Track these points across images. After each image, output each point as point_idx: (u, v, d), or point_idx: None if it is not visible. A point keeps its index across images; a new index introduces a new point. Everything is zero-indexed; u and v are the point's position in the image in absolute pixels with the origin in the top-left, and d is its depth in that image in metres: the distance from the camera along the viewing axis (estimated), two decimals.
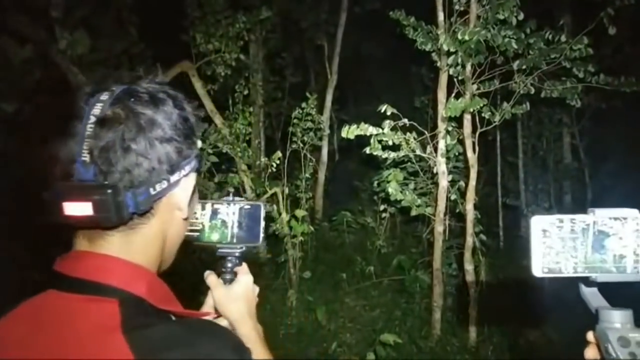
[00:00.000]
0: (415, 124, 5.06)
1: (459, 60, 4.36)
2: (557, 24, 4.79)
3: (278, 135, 10.48)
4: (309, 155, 7.27)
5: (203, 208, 1.22)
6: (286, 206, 6.22)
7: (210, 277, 1.23)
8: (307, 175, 7.32)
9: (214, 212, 1.23)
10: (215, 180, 6.22)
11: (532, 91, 4.81)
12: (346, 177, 10.12)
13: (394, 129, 4.93)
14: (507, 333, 5.15)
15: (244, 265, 1.25)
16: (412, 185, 6.10)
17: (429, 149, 5.24)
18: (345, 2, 9.31)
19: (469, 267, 5.09)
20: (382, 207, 7.44)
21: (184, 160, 0.86)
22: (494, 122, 4.75)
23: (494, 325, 5.22)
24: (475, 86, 4.72)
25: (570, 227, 1.04)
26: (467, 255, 5.09)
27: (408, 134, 5.08)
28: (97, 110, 0.80)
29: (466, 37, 4.08)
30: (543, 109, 7.98)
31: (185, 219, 0.93)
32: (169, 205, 0.88)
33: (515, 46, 4.31)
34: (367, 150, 5.10)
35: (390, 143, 5.06)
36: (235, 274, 1.24)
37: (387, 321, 5.48)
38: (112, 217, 0.78)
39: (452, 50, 4.30)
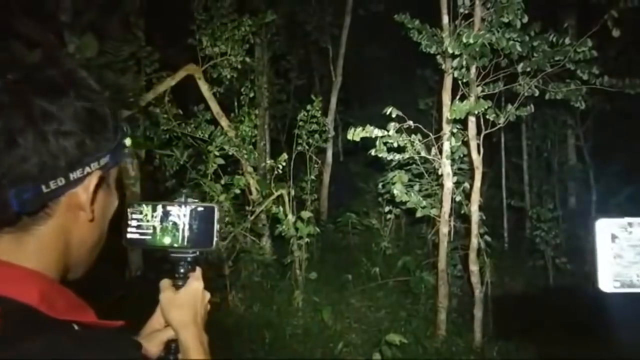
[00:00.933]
0: (420, 126, 5.10)
1: (464, 63, 4.39)
2: (562, 27, 4.81)
3: (283, 137, 10.54)
4: (314, 157, 7.32)
5: (154, 210, 1.16)
6: (292, 208, 6.27)
7: (163, 282, 1.17)
8: (312, 177, 7.37)
9: (165, 214, 1.16)
10: (221, 182, 6.26)
11: (537, 93, 4.84)
12: (351, 179, 10.15)
13: (399, 131, 4.97)
14: (513, 334, 5.16)
15: (198, 271, 1.19)
16: (417, 187, 6.14)
17: (433, 150, 5.28)
18: (350, 5, 9.37)
19: (473, 268, 5.12)
20: (387, 209, 7.49)
21: (88, 156, 0.77)
22: (499, 124, 4.78)
23: (499, 326, 5.25)
24: (479, 88, 4.75)
25: None
26: (472, 256, 5.12)
27: (413, 136, 5.13)
28: None
29: (471, 40, 4.12)
30: (548, 111, 7.99)
31: (92, 221, 0.83)
32: (70, 205, 0.79)
33: (520, 49, 4.35)
34: (373, 152, 5.15)
35: (396, 145, 5.11)
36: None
37: (392, 322, 5.51)
38: None
39: (456, 53, 4.34)
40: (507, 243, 7.93)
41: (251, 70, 8.07)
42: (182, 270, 1.17)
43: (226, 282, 5.81)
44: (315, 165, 7.53)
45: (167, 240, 1.15)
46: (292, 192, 6.48)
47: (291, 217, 6.00)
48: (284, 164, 6.34)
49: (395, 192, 5.39)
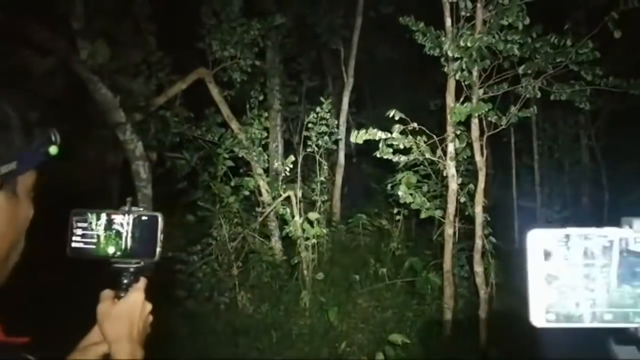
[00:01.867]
0: (424, 127, 5.13)
1: (464, 66, 4.42)
2: (565, 28, 4.80)
3: (296, 138, 10.62)
4: (323, 160, 7.39)
5: (98, 218, 1.13)
6: (300, 209, 6.34)
7: (104, 292, 1.13)
8: (322, 178, 7.44)
9: (109, 222, 1.14)
10: (231, 184, 6.38)
11: (539, 95, 4.84)
12: (363, 180, 10.20)
13: (402, 132, 5.01)
14: (517, 334, 5.16)
15: (141, 282, 1.16)
16: (425, 188, 6.16)
17: (438, 152, 5.30)
18: (361, 7, 9.40)
19: (478, 269, 5.14)
20: (396, 210, 7.52)
21: None
22: (501, 125, 4.79)
23: (504, 327, 5.25)
24: (481, 90, 4.77)
25: (584, 248, 0.72)
26: (477, 257, 5.14)
27: (418, 137, 5.16)
28: None
29: (468, 44, 4.15)
30: (558, 112, 7.95)
31: None
32: None
33: (517, 52, 4.36)
34: (377, 154, 5.20)
35: (401, 147, 5.15)
36: None
37: (398, 322, 5.56)
38: None
39: (456, 56, 4.37)
40: (517, 244, 7.89)
41: (262, 73, 8.18)
42: (125, 281, 1.14)
43: (235, 282, 5.91)
44: (325, 167, 7.59)
45: (110, 250, 1.13)
46: (300, 194, 6.55)
47: (298, 219, 6.08)
48: (291, 165, 6.42)
49: (399, 193, 5.43)
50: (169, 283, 5.68)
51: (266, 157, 7.26)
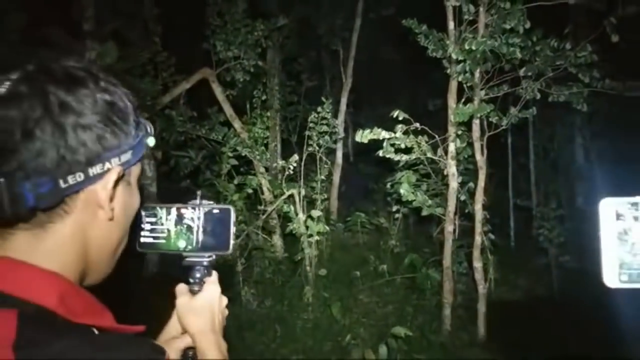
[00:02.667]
0: (426, 127, 5.28)
1: (467, 68, 4.58)
2: (564, 32, 4.98)
3: (294, 138, 10.75)
4: (324, 158, 7.53)
5: (168, 213, 1.13)
6: (302, 207, 6.48)
7: (179, 287, 1.14)
8: (323, 177, 7.57)
9: (180, 217, 1.13)
10: (234, 182, 6.49)
11: (538, 96, 5.01)
12: (361, 179, 10.33)
13: (405, 132, 5.16)
14: (515, 329, 5.33)
15: (214, 275, 1.17)
16: (424, 187, 6.32)
17: (439, 151, 5.46)
18: (360, 8, 9.55)
19: (477, 265, 5.30)
20: (395, 208, 7.67)
21: (108, 151, 0.74)
22: (502, 126, 4.95)
23: (502, 321, 5.41)
24: (483, 92, 4.93)
25: None
26: (476, 253, 5.30)
27: (420, 137, 5.31)
28: (2, 89, 0.69)
29: (473, 47, 4.31)
30: (554, 112, 8.13)
31: (111, 220, 0.79)
32: (88, 203, 0.75)
33: (519, 55, 4.52)
34: (380, 153, 5.35)
35: (403, 146, 5.30)
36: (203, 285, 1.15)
37: (399, 317, 5.70)
38: (5, 210, 0.67)
39: (460, 58, 4.52)
40: (513, 242, 8.08)
41: (264, 73, 8.31)
42: (197, 275, 1.14)
43: (239, 278, 6.03)
44: (325, 166, 7.73)
45: (181, 244, 1.12)
46: (303, 192, 6.68)
47: (302, 216, 6.21)
48: (294, 164, 6.55)
49: (402, 191, 5.58)
50: (175, 279, 5.78)
51: (268, 156, 7.39)
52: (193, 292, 1.14)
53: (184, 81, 6.93)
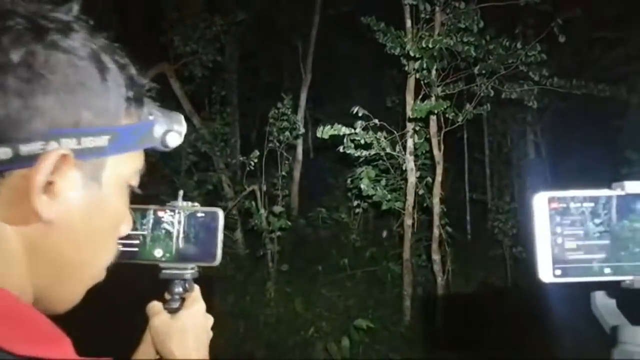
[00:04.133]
0: (385, 124, 5.38)
1: (424, 65, 4.69)
2: (515, 32, 5.17)
3: (254, 134, 10.71)
4: (284, 154, 7.54)
5: (143, 216, 0.99)
6: (264, 203, 6.48)
7: (151, 305, 0.98)
8: (284, 173, 7.59)
9: (157, 221, 0.99)
10: (194, 178, 6.44)
11: (492, 93, 5.19)
12: (321, 175, 10.39)
13: (365, 128, 5.25)
14: (472, 317, 5.52)
15: (196, 291, 1.00)
16: (383, 182, 6.43)
17: (398, 147, 5.58)
18: (319, 4, 9.58)
19: (435, 257, 5.46)
20: (355, 203, 7.77)
21: (58, 126, 0.52)
22: (458, 122, 5.11)
23: (459, 311, 5.60)
24: (440, 89, 5.07)
25: (590, 208, 0.80)
26: (434, 246, 5.46)
27: (379, 133, 5.41)
28: None
29: (429, 45, 4.42)
30: (508, 109, 8.41)
31: (50, 222, 0.55)
32: (19, 194, 0.53)
33: (474, 53, 4.68)
34: (341, 149, 5.42)
35: (363, 142, 5.38)
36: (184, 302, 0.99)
37: (360, 309, 5.80)
38: None
39: (417, 56, 4.63)
40: (469, 234, 8.33)
41: (222, 69, 8.24)
42: (177, 290, 0.99)
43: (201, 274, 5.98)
44: (286, 162, 7.75)
45: (158, 253, 0.99)
46: (264, 188, 6.69)
47: (263, 212, 6.22)
48: (255, 160, 6.54)
49: (362, 186, 5.67)
50: (134, 279, 5.70)
51: (228, 152, 7.35)
52: (171, 311, 0.97)
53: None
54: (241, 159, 7.13)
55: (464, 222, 8.38)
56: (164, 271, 1.00)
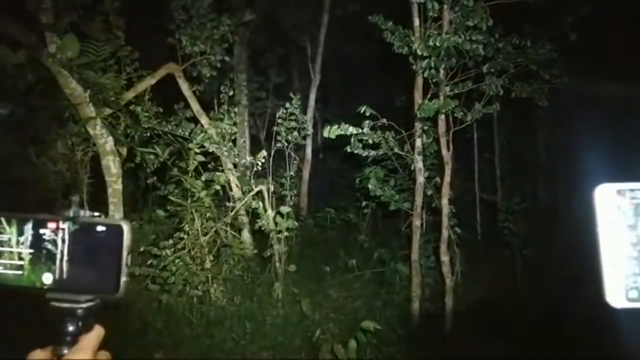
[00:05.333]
0: (393, 123, 5.34)
1: (432, 64, 4.64)
2: (525, 29, 5.10)
3: (263, 134, 10.71)
4: (293, 154, 7.53)
5: (20, 230, 0.79)
6: (272, 203, 6.46)
7: (33, 354, 0.78)
8: (292, 173, 7.58)
9: (38, 238, 0.79)
10: (202, 178, 6.42)
11: (501, 92, 5.12)
12: (330, 175, 10.37)
13: (373, 128, 5.20)
14: (481, 320, 5.45)
15: (92, 333, 0.79)
16: (392, 182, 6.39)
17: (406, 147, 5.53)
18: (327, 4, 9.56)
19: (444, 258, 5.39)
20: (364, 204, 7.74)
21: None
22: (467, 121, 5.04)
23: (469, 314, 5.53)
24: (448, 88, 5.01)
25: None
26: (443, 247, 5.40)
27: (387, 133, 5.37)
28: None
29: (437, 44, 4.36)
30: (519, 108, 8.31)
31: None
32: None
33: (482, 52, 4.61)
34: (348, 149, 5.38)
35: (370, 142, 5.34)
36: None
37: (368, 311, 5.76)
38: None
39: (425, 55, 4.58)
40: (479, 235, 8.24)
41: (230, 69, 8.23)
42: (68, 330, 0.78)
43: (208, 275, 5.97)
44: (294, 162, 7.73)
45: (41, 279, 0.78)
46: (272, 188, 6.66)
47: (271, 212, 6.19)
48: (263, 160, 6.52)
49: (370, 186, 5.63)
50: (142, 277, 5.71)
51: (236, 152, 7.33)
52: (59, 358, 0.77)
53: (149, 76, 6.79)
54: (249, 159, 7.11)
55: (473, 223, 8.30)
56: (51, 303, 0.79)
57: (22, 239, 0.79)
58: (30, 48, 5.07)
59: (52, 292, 0.78)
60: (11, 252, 0.79)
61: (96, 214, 0.82)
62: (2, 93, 4.81)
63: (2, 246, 0.79)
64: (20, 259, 0.79)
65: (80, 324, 0.78)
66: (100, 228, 0.78)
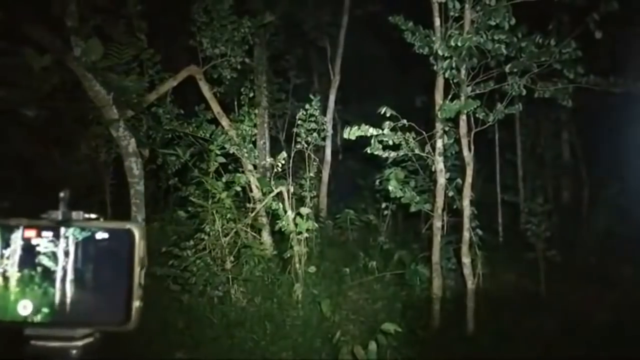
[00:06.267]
0: (413, 124, 5.30)
1: (454, 65, 4.59)
2: (549, 28, 5.01)
3: (283, 135, 10.74)
4: (312, 155, 7.53)
5: (6, 242, 0.59)
6: (292, 204, 6.47)
7: None
8: (311, 174, 7.58)
9: (28, 250, 0.60)
10: (223, 180, 6.46)
11: (524, 92, 5.04)
12: (349, 176, 10.35)
13: (393, 129, 5.18)
14: (504, 323, 5.37)
15: None
16: (412, 183, 6.35)
17: (427, 148, 5.48)
18: (347, 5, 9.55)
19: (465, 260, 5.33)
20: (384, 205, 7.70)
21: None
22: (488, 122, 4.98)
23: (490, 316, 5.45)
24: (469, 88, 4.95)
25: None
26: (464, 249, 5.33)
27: (407, 134, 5.33)
28: None
29: (459, 44, 4.32)
30: (542, 108, 8.19)
31: None
32: None
33: (505, 51, 4.55)
34: (368, 150, 5.36)
35: (390, 143, 5.31)
36: None
37: (388, 313, 5.72)
38: None
39: (446, 55, 4.53)
40: (501, 237, 8.14)
41: (250, 71, 8.28)
42: None
43: (228, 276, 6.00)
44: (314, 163, 7.73)
45: (27, 308, 0.58)
46: (292, 189, 6.67)
47: (291, 213, 6.20)
48: (283, 162, 6.54)
49: (390, 188, 5.59)
50: (164, 277, 5.77)
51: (256, 153, 7.37)
52: None
53: (171, 79, 6.87)
54: (269, 160, 7.14)
55: (495, 224, 8.20)
56: (33, 342, 0.58)
57: (7, 253, 0.59)
58: (56, 51, 5.17)
59: (45, 327, 0.56)
60: None
61: (93, 215, 0.62)
62: (29, 95, 4.91)
63: None
64: (3, 280, 0.57)
65: None
66: (103, 234, 0.58)
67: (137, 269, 0.59)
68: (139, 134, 6.59)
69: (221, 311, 5.59)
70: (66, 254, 0.58)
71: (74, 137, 6.33)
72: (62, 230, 0.59)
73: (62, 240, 0.58)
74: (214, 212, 6.16)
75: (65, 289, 0.57)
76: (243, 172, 6.82)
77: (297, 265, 6.17)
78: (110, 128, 6.05)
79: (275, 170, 6.67)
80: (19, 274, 0.58)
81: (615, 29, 5.23)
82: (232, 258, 6.21)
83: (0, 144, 5.59)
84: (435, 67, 5.09)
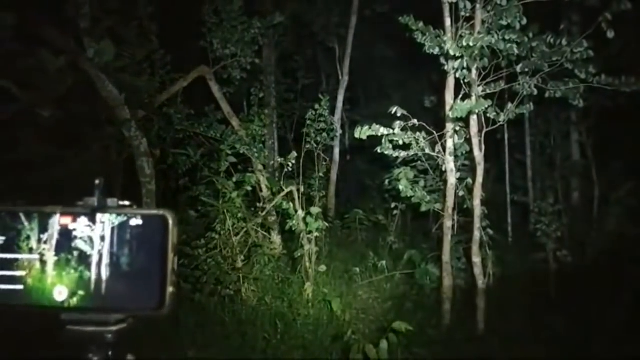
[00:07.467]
0: (424, 124, 5.31)
1: (465, 64, 4.60)
2: (560, 28, 5.00)
3: (291, 135, 10.79)
4: (322, 155, 7.56)
5: (44, 227, 0.60)
6: (302, 204, 6.49)
7: None
8: (321, 174, 7.61)
9: (65, 234, 0.61)
10: (233, 179, 6.50)
11: (535, 92, 5.04)
12: (358, 176, 10.38)
13: (404, 129, 5.19)
14: (514, 323, 5.37)
15: None
16: (422, 183, 6.36)
17: (437, 148, 5.49)
18: (356, 6, 9.57)
19: (476, 260, 5.33)
20: (393, 205, 7.71)
21: None
22: (499, 122, 4.98)
23: (501, 316, 5.45)
24: (480, 88, 4.96)
25: None
26: (475, 249, 5.33)
27: (418, 133, 5.34)
28: None
29: (470, 43, 4.33)
30: (551, 108, 8.17)
31: None
32: None
33: (517, 51, 4.55)
34: (379, 149, 5.37)
35: (401, 143, 5.33)
36: None
37: (398, 312, 5.74)
38: None
39: (457, 55, 4.54)
40: (511, 237, 8.12)
41: (260, 71, 8.32)
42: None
43: (239, 275, 6.04)
44: (324, 163, 7.76)
45: (63, 294, 0.58)
46: (301, 189, 6.70)
47: (301, 213, 6.23)
48: (293, 162, 6.57)
49: (400, 187, 5.61)
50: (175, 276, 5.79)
51: (266, 153, 7.40)
52: None
53: (181, 79, 6.94)
54: (279, 160, 7.17)
55: (505, 224, 8.18)
56: (69, 326, 0.59)
57: (44, 237, 0.59)
58: (70, 53, 5.24)
59: (80, 311, 0.57)
60: (20, 257, 0.57)
61: (127, 203, 0.64)
62: (45, 96, 4.98)
63: (10, 246, 0.57)
64: (38, 264, 0.58)
65: (109, 352, 0.58)
66: (137, 220, 0.60)
67: (171, 255, 0.63)
68: (151, 134, 6.65)
69: (232, 310, 5.62)
70: (102, 238, 0.60)
71: (87, 137, 6.39)
72: (99, 216, 0.62)
73: (98, 225, 0.61)
74: (225, 211, 6.20)
75: (100, 274, 0.59)
76: (253, 172, 6.86)
77: (308, 265, 6.19)
78: (123, 128, 6.11)
79: (285, 170, 6.70)
80: (55, 258, 0.60)
81: (628, 28, 5.21)
82: (242, 257, 6.25)
83: (14, 144, 5.67)
84: (445, 67, 5.09)
